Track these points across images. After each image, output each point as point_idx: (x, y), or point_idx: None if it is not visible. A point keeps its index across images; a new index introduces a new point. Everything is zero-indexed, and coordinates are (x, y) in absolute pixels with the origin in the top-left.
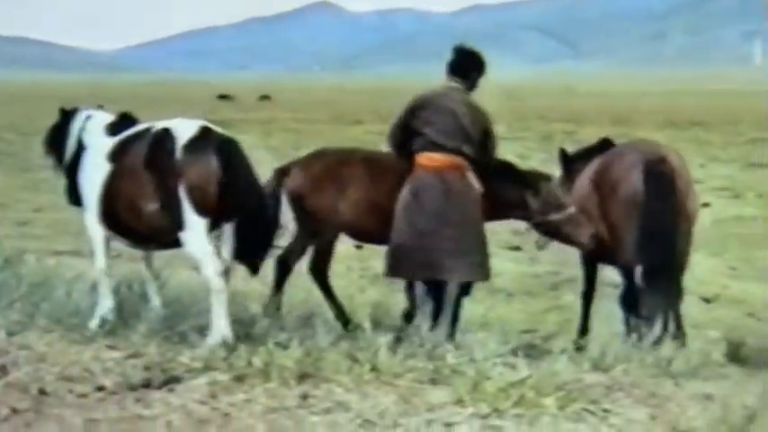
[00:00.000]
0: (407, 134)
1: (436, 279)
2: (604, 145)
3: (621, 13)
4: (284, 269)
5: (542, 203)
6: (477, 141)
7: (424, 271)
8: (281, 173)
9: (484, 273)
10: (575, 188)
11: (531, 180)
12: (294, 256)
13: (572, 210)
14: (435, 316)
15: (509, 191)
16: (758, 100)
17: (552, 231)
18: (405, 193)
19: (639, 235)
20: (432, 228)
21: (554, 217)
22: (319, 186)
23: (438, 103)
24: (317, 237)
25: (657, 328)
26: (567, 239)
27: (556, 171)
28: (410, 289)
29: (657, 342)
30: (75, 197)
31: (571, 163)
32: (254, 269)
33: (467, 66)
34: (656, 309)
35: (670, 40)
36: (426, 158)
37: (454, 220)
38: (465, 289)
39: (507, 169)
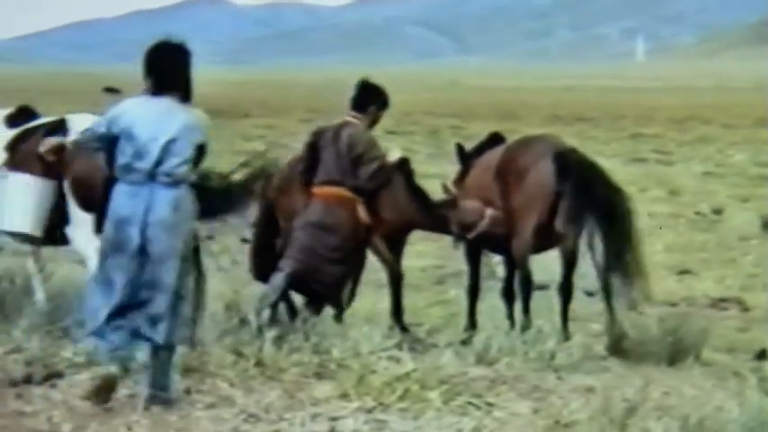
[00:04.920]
0: (309, 166)
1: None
2: (494, 139)
3: (507, 8)
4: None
5: (458, 226)
6: (354, 172)
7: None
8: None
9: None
10: (469, 181)
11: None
12: None
13: (491, 213)
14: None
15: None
16: (640, 96)
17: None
18: (300, 218)
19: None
20: (312, 253)
21: (478, 230)
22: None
23: (327, 139)
24: None
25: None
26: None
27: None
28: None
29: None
30: None
31: (468, 158)
32: None
33: (364, 99)
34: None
35: (555, 37)
36: (317, 190)
37: (331, 246)
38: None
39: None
